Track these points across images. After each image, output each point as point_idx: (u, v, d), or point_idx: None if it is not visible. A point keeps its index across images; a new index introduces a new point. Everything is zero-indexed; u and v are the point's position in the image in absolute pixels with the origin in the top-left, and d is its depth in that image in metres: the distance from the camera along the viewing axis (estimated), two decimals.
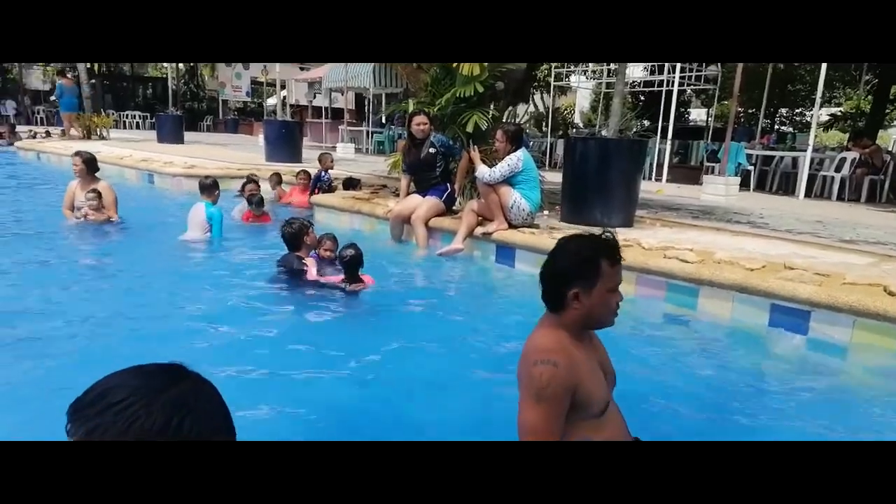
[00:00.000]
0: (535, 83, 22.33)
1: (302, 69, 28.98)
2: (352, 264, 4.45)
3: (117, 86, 32.36)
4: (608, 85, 15.20)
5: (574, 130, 22.52)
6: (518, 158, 5.49)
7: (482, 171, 5.57)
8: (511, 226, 5.51)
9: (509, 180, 5.50)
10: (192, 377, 0.99)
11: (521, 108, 26.42)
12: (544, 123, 18.20)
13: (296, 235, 4.69)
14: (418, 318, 4.24)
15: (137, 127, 26.88)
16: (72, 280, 4.68)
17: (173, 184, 9.51)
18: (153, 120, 20.10)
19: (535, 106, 27.74)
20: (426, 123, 6.07)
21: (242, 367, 3.16)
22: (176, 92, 20.83)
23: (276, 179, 8.75)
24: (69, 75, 17.98)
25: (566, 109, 29.43)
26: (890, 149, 12.54)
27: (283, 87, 25.48)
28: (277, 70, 15.76)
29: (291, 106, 25.72)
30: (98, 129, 16.93)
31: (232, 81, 30.86)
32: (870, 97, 17.04)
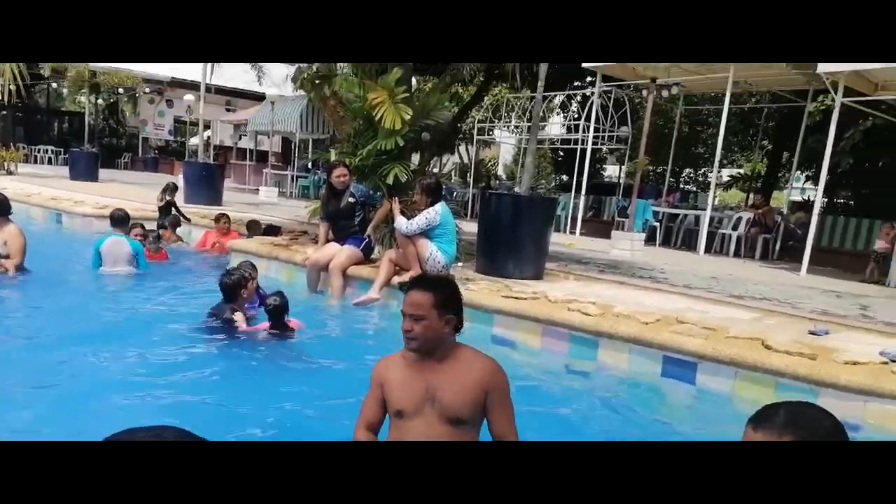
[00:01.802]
0: (461, 135, 22.98)
1: (228, 110, 28.70)
2: (276, 312, 4.52)
3: (30, 119, 30.99)
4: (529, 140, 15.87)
5: (497, 182, 23.20)
6: (436, 212, 5.70)
7: (400, 222, 5.75)
8: None
9: (427, 233, 5.69)
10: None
11: (446, 159, 27.07)
12: (468, 174, 18.71)
13: (234, 287, 4.69)
14: (337, 367, 4.29)
15: (50, 162, 25.77)
16: None
17: (83, 224, 9.22)
18: (67, 156, 19.41)
19: (461, 157, 28.45)
20: (346, 175, 6.24)
21: (166, 415, 3.18)
22: (94, 127, 20.21)
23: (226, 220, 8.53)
24: None
25: (490, 161, 30.30)
26: (783, 210, 13.58)
27: (207, 127, 25.14)
28: (202, 111, 15.61)
29: (215, 147, 25.37)
30: (6, 164, 16.20)
31: (154, 119, 30.17)
32: (765, 161, 18.52)
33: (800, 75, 11.17)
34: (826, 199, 16.04)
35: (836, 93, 8.88)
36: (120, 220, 6.57)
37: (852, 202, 16.94)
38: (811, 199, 16.28)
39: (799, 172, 18.27)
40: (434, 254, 5.66)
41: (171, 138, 32.79)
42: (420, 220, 5.67)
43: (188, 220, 9.35)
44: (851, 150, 11.97)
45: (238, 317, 4.65)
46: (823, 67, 8.76)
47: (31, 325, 4.71)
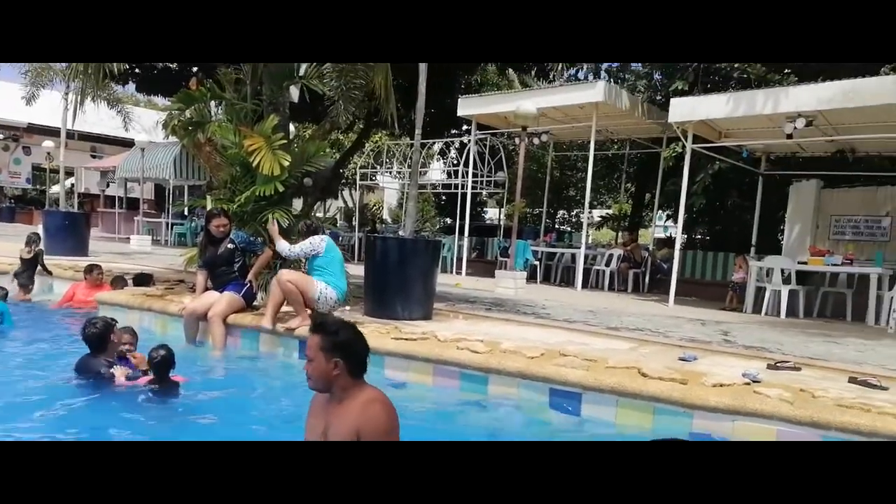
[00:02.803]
0: (344, 180, 22.95)
1: (94, 156, 27.03)
2: (163, 365, 4.26)
3: None
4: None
5: (382, 226, 23.30)
6: (321, 239, 5.70)
7: (282, 245, 5.73)
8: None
9: (312, 269, 5.61)
10: None
11: (330, 203, 26.90)
12: (353, 218, 18.67)
13: (101, 336, 4.38)
14: (229, 422, 4.07)
15: None
16: None
17: None
18: None
19: (345, 201, 28.36)
20: (226, 225, 6.06)
21: None
22: None
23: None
24: None
25: (374, 206, 30.43)
26: (648, 246, 14.58)
27: (70, 174, 23.50)
28: (62, 156, 14.61)
29: (80, 195, 23.75)
30: None
31: (9, 167, 27.88)
32: (630, 201, 19.90)
33: (654, 124, 12.19)
34: (686, 236, 17.41)
35: (686, 139, 9.75)
36: None
37: (708, 237, 18.47)
38: (673, 235, 17.60)
39: (660, 212, 19.77)
40: (325, 290, 5.58)
41: (30, 186, 30.38)
42: (304, 245, 5.67)
43: (49, 273, 8.64)
44: (703, 191, 13.13)
45: (117, 371, 4.35)
46: (673, 117, 9.64)
47: None
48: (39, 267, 8.53)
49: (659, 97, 14.41)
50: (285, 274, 5.63)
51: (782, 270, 9.47)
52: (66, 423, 3.80)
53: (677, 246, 10.89)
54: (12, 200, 30.22)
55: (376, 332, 5.30)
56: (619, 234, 17.93)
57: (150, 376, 4.33)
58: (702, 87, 11.93)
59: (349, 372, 2.55)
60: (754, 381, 4.23)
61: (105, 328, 4.44)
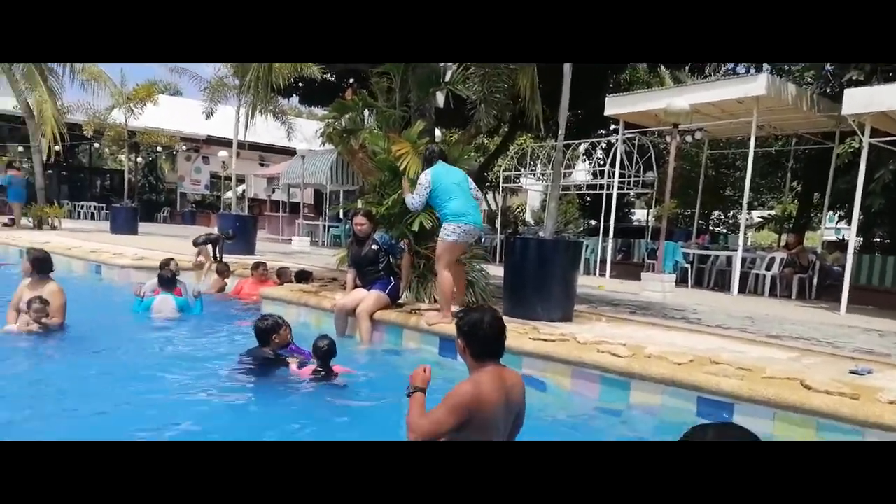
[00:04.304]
0: (488, 183, 23.21)
1: (262, 164, 29.51)
2: (326, 354, 4.58)
3: (74, 177, 32.32)
4: None
5: (524, 228, 23.25)
6: (425, 174, 5.77)
7: (408, 198, 5.97)
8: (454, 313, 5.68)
9: (439, 214, 5.80)
10: None
11: None
12: (496, 220, 18.82)
13: (265, 332, 4.81)
14: (386, 409, 4.25)
15: (92, 217, 26.73)
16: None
17: (121, 275, 9.46)
18: (108, 211, 20.14)
19: (488, 204, 28.67)
20: (364, 224, 6.36)
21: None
22: (133, 184, 20.99)
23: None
24: (17, 165, 18.02)
25: (517, 208, 30.46)
26: (816, 249, 13.33)
27: (242, 181, 25.82)
28: (234, 165, 16.08)
29: (250, 199, 26.02)
30: (49, 219, 16.81)
31: (191, 175, 31.21)
32: (796, 201, 18.29)
33: (825, 117, 11.13)
34: (861, 239, 15.72)
35: (862, 134, 8.81)
36: (166, 282, 7.05)
37: (888, 241, 16.57)
38: (845, 238, 15.96)
39: (831, 213, 18.00)
40: (445, 227, 5.66)
41: (208, 192, 33.79)
42: (418, 190, 5.77)
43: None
44: (883, 190, 11.80)
45: (292, 361, 4.79)
46: (847, 109, 8.74)
47: (74, 377, 4.73)
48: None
49: (830, 89, 13.15)
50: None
51: None
52: (237, 404, 4.22)
53: (850, 249, 9.84)
54: (193, 205, 33.78)
55: (514, 332, 5.28)
56: (783, 235, 16.56)
57: (315, 365, 4.64)
58: (882, 77, 10.72)
59: (471, 353, 2.77)
60: None
61: (271, 327, 4.84)
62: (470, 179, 5.99)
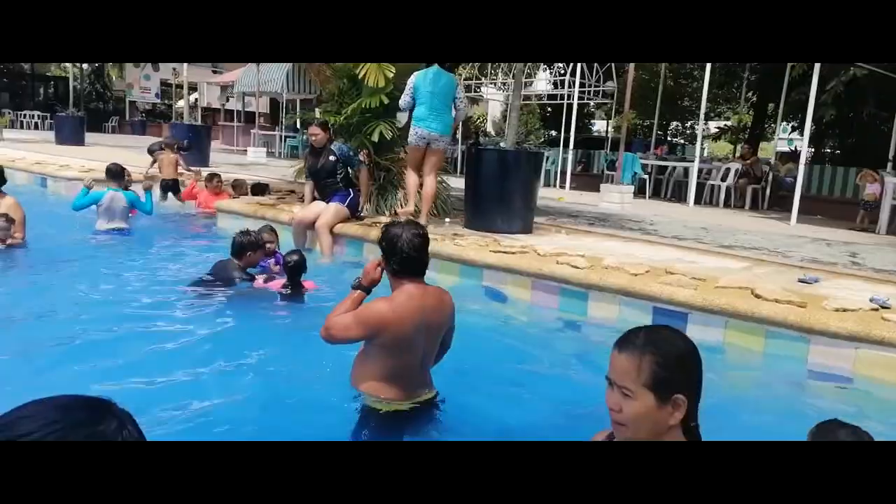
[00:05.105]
0: None
1: (215, 72, 28.11)
2: (295, 270, 4.49)
3: (15, 84, 30.42)
4: None
5: (486, 139, 23.00)
6: (412, 77, 5.99)
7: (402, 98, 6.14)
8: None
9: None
10: (118, 416, 0.87)
11: None
12: (457, 131, 18.52)
13: (244, 247, 4.65)
14: None
15: (36, 127, 25.45)
16: None
17: (68, 188, 9.09)
18: (53, 120, 19.13)
19: None
20: (318, 134, 6.18)
21: (186, 371, 3.27)
22: (79, 92, 19.78)
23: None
24: None
25: (479, 119, 29.99)
26: (770, 160, 13.56)
27: (194, 89, 24.65)
28: (185, 73, 15.28)
29: (203, 109, 24.97)
30: None
31: (140, 83, 29.65)
32: (751, 112, 18.41)
33: None
34: (813, 150, 16.03)
35: None
36: (116, 175, 6.71)
37: (839, 152, 16.96)
38: (798, 149, 16.27)
39: (785, 123, 18.21)
40: (412, 130, 6.00)
41: (158, 101, 32.29)
42: (405, 91, 6.02)
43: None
44: (834, 101, 11.91)
45: (259, 278, 4.71)
46: None
47: (39, 297, 4.58)
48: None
49: None
50: None
51: None
52: (203, 317, 4.17)
53: (802, 160, 10.01)
54: (143, 114, 32.33)
55: (475, 245, 5.32)
56: (738, 146, 16.78)
57: (283, 280, 4.58)
58: None
59: (390, 269, 2.66)
60: (883, 307, 3.91)
61: (250, 244, 4.66)
62: (459, 89, 6.19)
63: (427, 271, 2.76)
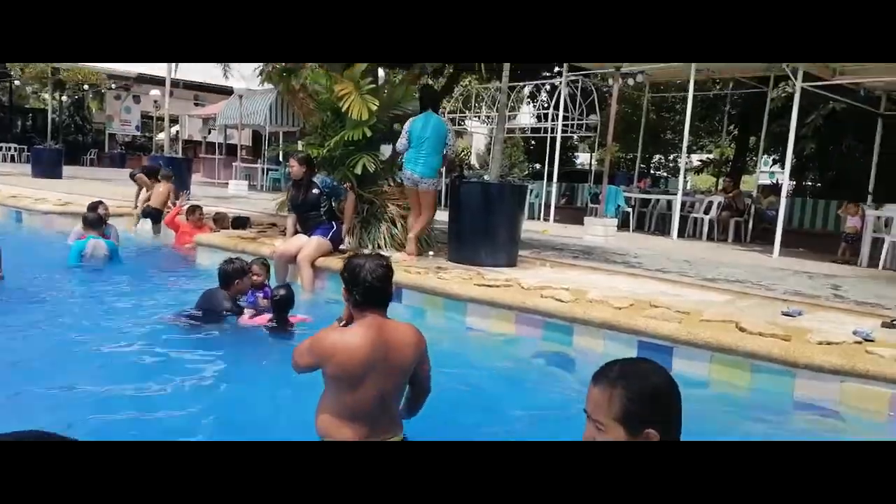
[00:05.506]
0: None
1: (196, 104, 28.18)
2: (282, 304, 4.41)
3: None
4: None
5: (469, 171, 23.15)
6: (408, 123, 6.28)
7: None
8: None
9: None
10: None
11: None
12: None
13: (230, 275, 4.59)
14: None
15: (12, 160, 25.18)
16: None
17: (44, 222, 8.95)
18: (30, 153, 18.97)
19: None
20: (296, 166, 6.13)
21: (169, 410, 3.22)
22: (58, 124, 19.65)
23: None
24: None
25: (463, 151, 30.23)
26: (752, 193, 13.72)
27: (175, 122, 24.64)
28: (166, 105, 15.27)
29: (184, 141, 24.92)
30: None
31: (120, 115, 29.61)
32: (733, 145, 18.72)
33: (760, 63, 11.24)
34: (794, 182, 16.27)
35: (795, 79, 8.95)
36: (93, 224, 6.58)
37: (819, 184, 17.22)
38: (779, 181, 16.51)
39: (766, 157, 18.51)
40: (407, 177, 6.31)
41: (139, 133, 32.23)
42: (401, 136, 6.35)
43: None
44: (814, 134, 12.13)
45: (247, 311, 4.61)
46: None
47: (16, 333, 4.37)
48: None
49: None
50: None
51: None
52: (190, 357, 4.06)
53: (783, 193, 10.13)
54: (123, 147, 32.20)
55: (459, 278, 5.26)
56: (720, 179, 16.99)
57: (270, 315, 4.48)
58: None
59: (351, 301, 2.55)
60: (867, 340, 3.89)
61: (236, 272, 4.61)
62: (451, 135, 6.49)
63: (410, 304, 2.70)
